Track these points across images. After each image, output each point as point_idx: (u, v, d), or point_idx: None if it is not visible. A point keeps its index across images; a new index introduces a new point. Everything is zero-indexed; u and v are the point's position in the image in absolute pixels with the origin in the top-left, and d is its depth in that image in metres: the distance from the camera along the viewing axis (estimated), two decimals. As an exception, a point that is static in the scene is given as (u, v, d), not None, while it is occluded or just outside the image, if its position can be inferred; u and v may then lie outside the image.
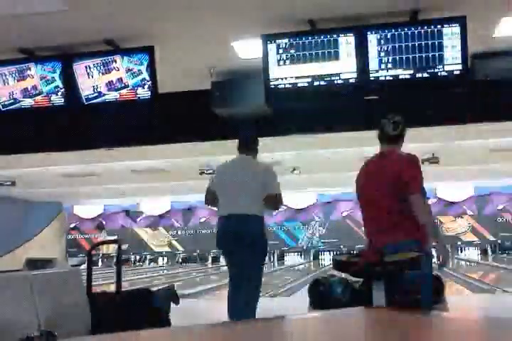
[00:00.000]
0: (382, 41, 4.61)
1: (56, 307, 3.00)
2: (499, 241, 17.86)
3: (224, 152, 10.10)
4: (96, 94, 5.10)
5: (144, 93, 5.00)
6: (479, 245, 17.99)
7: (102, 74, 5.03)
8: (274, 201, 4.41)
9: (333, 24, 4.68)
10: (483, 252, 17.76)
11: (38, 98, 5.19)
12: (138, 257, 19.99)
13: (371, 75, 4.67)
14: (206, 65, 5.64)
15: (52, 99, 5.16)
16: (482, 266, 14.78)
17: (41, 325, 2.80)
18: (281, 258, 18.77)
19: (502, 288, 8.33)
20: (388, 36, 4.60)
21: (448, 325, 1.23)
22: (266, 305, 7.31)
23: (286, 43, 4.73)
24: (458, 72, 4.54)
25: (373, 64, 4.66)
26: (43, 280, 3.10)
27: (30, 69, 5.12)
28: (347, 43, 4.65)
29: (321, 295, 3.65)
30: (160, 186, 14.66)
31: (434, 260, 3.44)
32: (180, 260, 19.83)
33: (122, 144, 7.00)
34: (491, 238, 17.95)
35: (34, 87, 5.17)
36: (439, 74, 4.57)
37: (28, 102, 5.22)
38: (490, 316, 1.28)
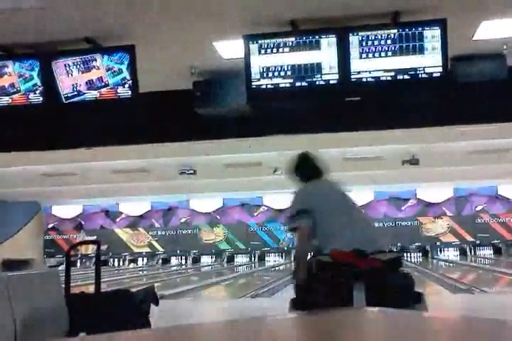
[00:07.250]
0: (364, 43, 4.63)
1: (33, 309, 2.95)
2: (477, 242, 18.07)
3: (204, 152, 10.13)
4: (75, 93, 5.03)
5: (124, 92, 4.95)
6: (458, 246, 18.17)
7: (82, 72, 4.97)
8: None
9: (314, 25, 4.69)
10: (463, 252, 17.94)
11: (16, 96, 5.10)
12: (117, 260, 19.80)
13: (352, 77, 4.68)
14: (188, 65, 5.61)
15: (30, 97, 5.08)
16: (461, 266, 14.94)
17: (17, 327, 2.75)
18: (261, 258, 18.77)
19: (480, 288, 8.42)
20: (369, 38, 4.62)
21: (428, 325, 1.23)
22: (247, 306, 7.32)
23: (268, 44, 4.73)
24: (438, 75, 4.57)
25: (355, 65, 4.67)
26: (19, 282, 3.05)
27: (7, 66, 5.04)
28: (329, 44, 4.66)
29: (302, 296, 3.64)
30: (140, 186, 14.56)
31: None
32: (160, 260, 19.70)
33: (102, 144, 6.93)
34: (470, 239, 18.16)
35: (12, 85, 5.09)
36: (419, 76, 4.60)
37: (5, 100, 5.14)
38: (467, 316, 1.29)
